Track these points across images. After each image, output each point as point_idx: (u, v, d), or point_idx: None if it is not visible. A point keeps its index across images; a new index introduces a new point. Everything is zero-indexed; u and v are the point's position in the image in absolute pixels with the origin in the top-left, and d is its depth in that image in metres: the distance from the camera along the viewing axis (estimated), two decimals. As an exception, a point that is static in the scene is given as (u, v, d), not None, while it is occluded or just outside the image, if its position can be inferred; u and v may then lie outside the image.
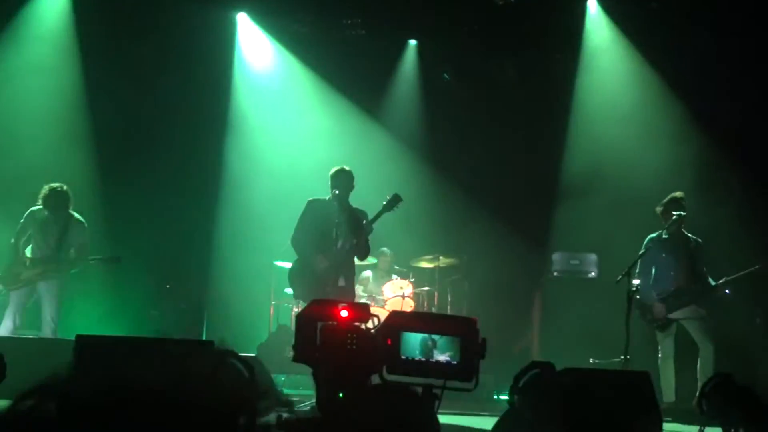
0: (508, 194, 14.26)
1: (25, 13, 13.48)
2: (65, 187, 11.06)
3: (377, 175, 13.22)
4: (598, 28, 14.25)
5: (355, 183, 10.48)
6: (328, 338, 5.62)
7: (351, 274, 10.58)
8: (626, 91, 14.10)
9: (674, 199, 10.88)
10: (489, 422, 7.33)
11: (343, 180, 10.40)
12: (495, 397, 11.24)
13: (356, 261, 10.80)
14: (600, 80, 14.32)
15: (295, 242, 10.55)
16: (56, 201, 10.99)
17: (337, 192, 10.31)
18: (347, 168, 10.50)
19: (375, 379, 5.75)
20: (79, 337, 6.74)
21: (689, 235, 10.99)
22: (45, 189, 11.00)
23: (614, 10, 13.98)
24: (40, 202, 11.01)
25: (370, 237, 10.51)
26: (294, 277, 10.61)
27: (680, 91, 13.61)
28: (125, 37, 13.80)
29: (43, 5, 13.59)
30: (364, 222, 10.33)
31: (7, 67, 13.24)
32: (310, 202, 10.53)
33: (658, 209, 10.98)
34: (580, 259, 13.66)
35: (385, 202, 10.28)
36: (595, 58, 14.36)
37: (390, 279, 13.67)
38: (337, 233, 10.21)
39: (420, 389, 5.62)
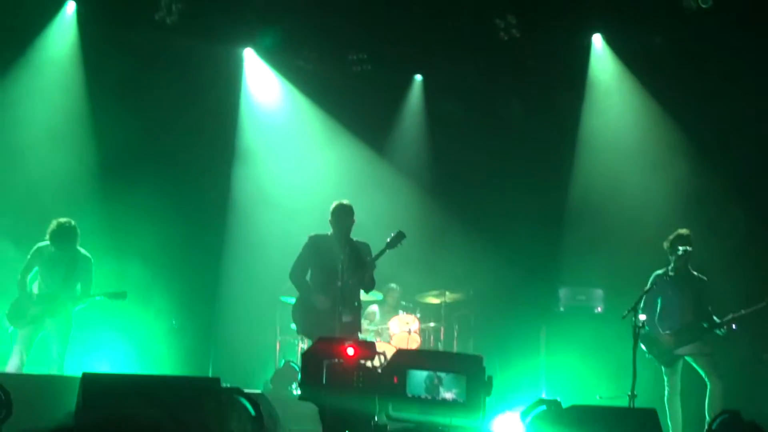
0: (514, 229, 14.24)
1: (35, 50, 13.51)
2: (73, 223, 11.05)
3: (383, 209, 13.24)
4: (603, 62, 14.28)
5: (355, 217, 10.47)
6: (334, 376, 5.61)
7: (357, 310, 10.55)
8: (632, 126, 14.10)
9: (680, 236, 10.87)
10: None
11: (343, 215, 10.40)
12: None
13: (363, 295, 10.80)
14: (605, 115, 14.33)
15: (294, 277, 10.51)
16: (64, 236, 10.97)
17: (340, 226, 10.33)
18: (346, 202, 10.49)
19: (382, 417, 5.76)
20: (85, 374, 6.74)
21: (695, 272, 10.97)
22: (53, 224, 10.98)
23: (619, 45, 14.01)
24: (47, 237, 10.99)
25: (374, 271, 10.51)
26: (297, 312, 10.57)
27: (685, 125, 13.62)
28: (134, 70, 13.84)
29: (53, 41, 13.63)
30: (368, 258, 10.33)
31: (16, 102, 13.28)
32: (311, 238, 10.52)
33: (665, 245, 10.97)
34: (586, 294, 13.63)
35: (388, 240, 10.26)
36: (601, 92, 14.37)
37: (396, 314, 13.65)
38: (342, 269, 10.19)
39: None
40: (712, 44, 12.81)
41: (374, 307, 13.84)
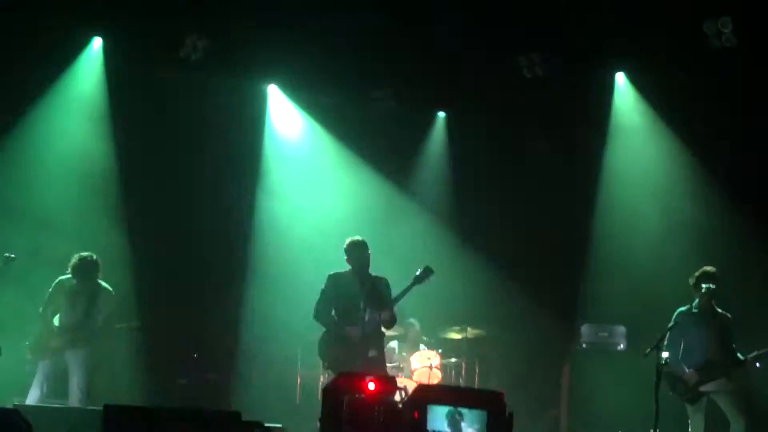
0: (536, 266, 14.23)
1: (62, 84, 13.61)
2: (95, 257, 11.12)
3: (405, 245, 13.26)
4: (626, 101, 14.25)
5: (369, 251, 10.52)
6: (354, 411, 5.60)
7: (381, 345, 10.59)
8: (656, 164, 14.06)
9: (705, 273, 10.81)
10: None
11: (356, 250, 10.47)
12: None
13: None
14: (628, 152, 14.30)
15: (318, 315, 10.59)
16: (85, 270, 11.04)
17: (356, 263, 10.40)
18: (359, 238, 10.56)
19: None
20: (107, 406, 6.76)
21: (719, 309, 10.90)
22: (75, 258, 11.06)
23: (642, 83, 13.98)
24: (69, 270, 11.06)
25: (396, 306, 10.54)
26: (323, 347, 10.60)
27: (709, 163, 13.57)
28: (159, 106, 13.95)
29: (80, 75, 13.70)
30: (386, 293, 10.37)
31: (41, 135, 13.38)
32: (330, 276, 10.60)
33: (690, 281, 10.92)
34: (608, 331, 13.58)
35: (416, 275, 10.32)
36: (624, 130, 14.33)
37: (417, 350, 13.63)
38: (364, 305, 10.23)
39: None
40: (736, 83, 12.79)
41: (393, 344, 13.83)
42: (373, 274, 10.62)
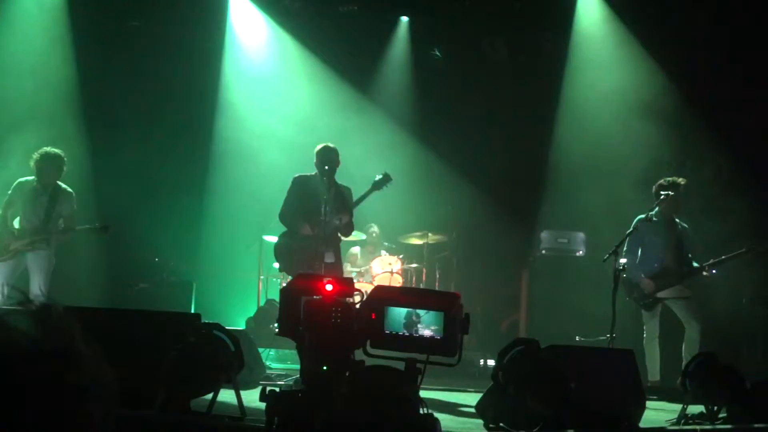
0: (498, 172, 14.27)
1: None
2: (60, 152, 10.95)
3: (367, 151, 13.23)
4: (589, 7, 14.23)
5: (340, 159, 10.46)
6: (312, 312, 5.61)
7: (338, 250, 10.58)
8: (617, 71, 14.06)
9: (666, 181, 10.96)
10: (474, 398, 7.40)
11: (328, 156, 10.37)
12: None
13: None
14: (591, 60, 14.30)
15: (283, 217, 10.49)
16: (49, 163, 10.86)
17: (326, 168, 10.30)
18: (332, 145, 10.47)
19: (359, 354, 5.77)
20: (65, 308, 6.75)
21: (678, 219, 11.07)
22: (36, 155, 10.89)
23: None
24: (32, 165, 10.87)
25: (355, 213, 10.52)
26: (280, 250, 10.54)
27: (672, 71, 13.60)
28: (117, 8, 13.77)
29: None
30: (347, 199, 10.35)
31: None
32: (296, 179, 10.48)
33: (653, 189, 11.07)
34: (568, 237, 13.71)
35: (374, 181, 10.30)
36: (587, 37, 14.34)
37: (378, 255, 13.70)
38: (326, 209, 10.20)
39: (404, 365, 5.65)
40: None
41: (356, 249, 13.91)
42: (338, 182, 10.57)
